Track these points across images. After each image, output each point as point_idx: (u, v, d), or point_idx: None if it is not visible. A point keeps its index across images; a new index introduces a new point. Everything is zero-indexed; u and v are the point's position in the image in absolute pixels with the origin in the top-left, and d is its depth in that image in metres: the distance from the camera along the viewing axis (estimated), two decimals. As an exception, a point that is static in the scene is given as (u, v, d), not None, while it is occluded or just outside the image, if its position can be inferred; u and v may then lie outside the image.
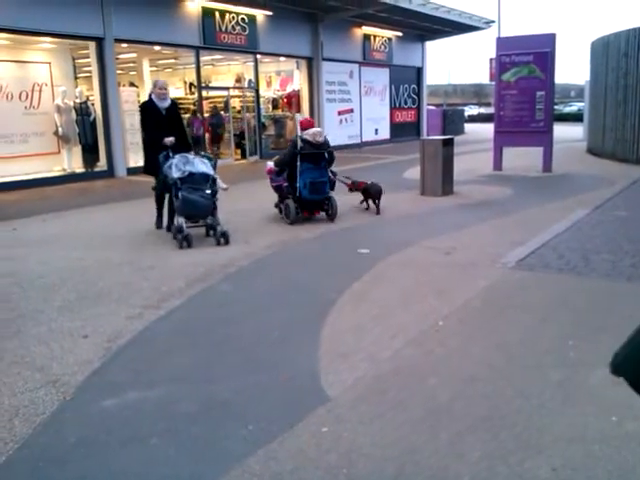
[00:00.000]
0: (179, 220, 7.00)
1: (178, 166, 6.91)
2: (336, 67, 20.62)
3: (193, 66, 17.15)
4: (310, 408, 3.08)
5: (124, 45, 14.44)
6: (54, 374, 3.58)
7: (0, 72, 12.67)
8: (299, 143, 7.99)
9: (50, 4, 12.14)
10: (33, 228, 8.46)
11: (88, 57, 14.21)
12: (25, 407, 3.17)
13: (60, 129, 13.35)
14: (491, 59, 15.58)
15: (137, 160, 14.61)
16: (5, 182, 12.11)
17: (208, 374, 3.59)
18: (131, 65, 17.95)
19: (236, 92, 18.46)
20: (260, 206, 9.23)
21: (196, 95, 17.37)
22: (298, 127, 8.29)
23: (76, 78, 14.99)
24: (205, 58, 17.19)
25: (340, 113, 21.22)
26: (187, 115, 17.75)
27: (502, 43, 13.31)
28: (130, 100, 14.74)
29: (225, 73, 19.89)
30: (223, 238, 6.92)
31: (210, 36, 15.99)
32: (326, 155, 8.13)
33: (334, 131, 20.59)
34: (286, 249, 6.76)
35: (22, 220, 9.00)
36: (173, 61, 19.47)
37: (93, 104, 14.02)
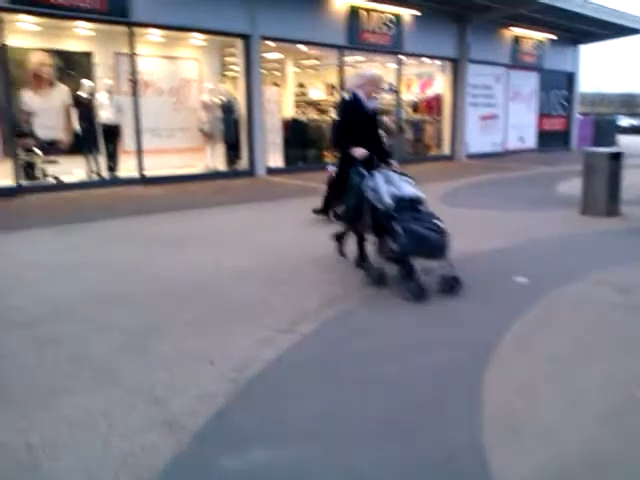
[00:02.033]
0: (381, 260, 5.30)
1: (383, 188, 5.17)
2: (482, 70, 19.36)
3: (333, 68, 16.74)
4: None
5: (270, 44, 14.23)
6: (172, 412, 3.08)
7: (152, 67, 12.90)
8: None
9: (199, 1, 12.14)
10: (173, 225, 8.29)
11: (234, 55, 14.19)
12: (134, 455, 2.67)
13: (205, 126, 13.38)
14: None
15: (277, 160, 14.45)
16: (151, 176, 12.26)
17: (345, 431, 2.93)
18: (275, 65, 17.87)
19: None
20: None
21: (337, 96, 16.96)
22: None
23: (222, 76, 15.06)
24: (346, 59, 16.65)
25: (483, 118, 19.95)
26: (325, 117, 17.43)
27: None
28: (273, 99, 14.53)
29: (365, 75, 19.28)
30: (455, 285, 5.06)
31: (355, 35, 15.44)
32: None
33: (475, 137, 19.44)
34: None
35: (164, 215, 8.90)
36: (316, 62, 19.21)
37: (237, 102, 13.93)
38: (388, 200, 5.06)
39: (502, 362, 3.72)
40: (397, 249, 4.95)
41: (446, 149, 19.13)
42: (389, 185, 5.20)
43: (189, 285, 5.36)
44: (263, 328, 4.26)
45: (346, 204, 5.63)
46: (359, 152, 5.48)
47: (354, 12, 15.32)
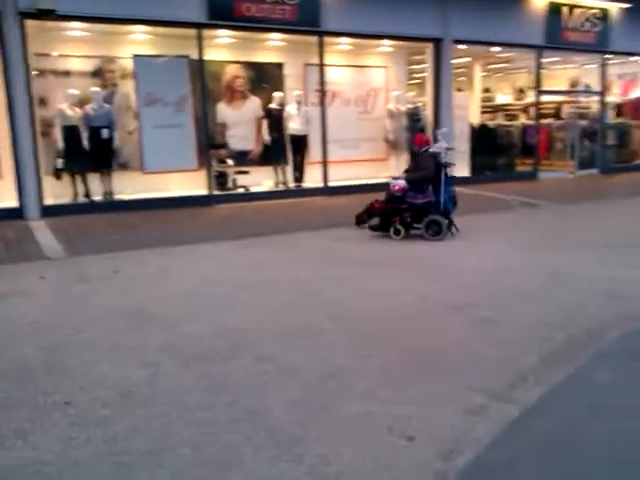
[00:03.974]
0: None
1: None
2: None
3: (524, 70, 15.14)
4: None
5: (461, 47, 13.09)
6: (365, 520, 2.28)
7: (339, 77, 12.41)
8: (443, 155, 7.74)
9: (389, 6, 11.42)
10: (357, 243, 7.60)
11: (420, 63, 13.31)
12: None
13: (390, 135, 12.64)
14: None
15: (462, 169, 13.29)
16: (335, 186, 11.77)
17: None
18: (461, 70, 16.67)
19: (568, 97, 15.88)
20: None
21: (528, 100, 15.40)
22: (440, 139, 7.91)
23: (408, 83, 14.22)
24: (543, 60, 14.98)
25: None
26: (516, 122, 15.91)
27: None
28: (462, 105, 13.41)
29: (557, 77, 17.35)
30: None
31: (555, 34, 13.77)
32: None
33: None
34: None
35: (345, 230, 8.25)
36: (504, 65, 17.67)
37: (424, 110, 13.01)
38: None
39: None
40: None
41: (659, 156, 16.58)
42: None
43: (376, 320, 4.56)
44: (471, 391, 3.32)
45: None
46: None
47: (554, 9, 13.68)
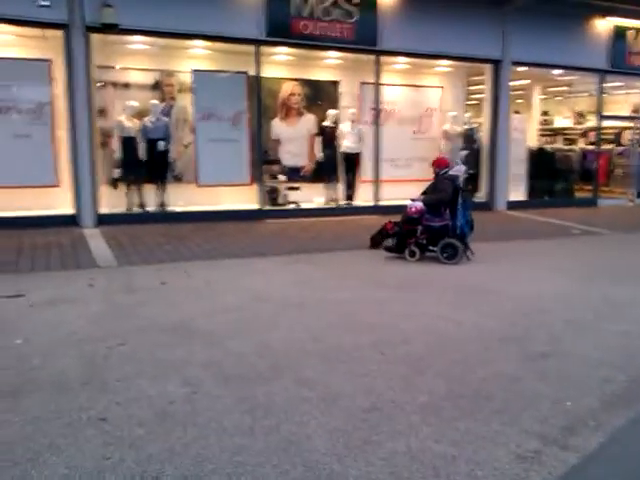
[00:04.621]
0: None
1: None
2: None
3: (585, 94, 14.68)
4: None
5: (520, 69, 12.78)
6: None
7: (395, 96, 12.25)
8: (461, 178, 7.51)
9: (448, 26, 11.29)
10: (400, 265, 7.40)
11: (478, 84, 13.06)
12: None
13: (445, 156, 12.37)
14: None
15: (518, 193, 12.95)
16: (386, 206, 11.56)
17: None
18: (519, 93, 16.29)
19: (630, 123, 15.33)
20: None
21: (588, 124, 14.91)
22: (460, 162, 7.62)
23: (465, 104, 13.95)
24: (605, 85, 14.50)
25: None
26: (575, 147, 15.39)
27: None
28: (519, 128, 13.06)
29: (619, 102, 16.71)
30: None
31: (619, 58, 13.32)
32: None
33: None
34: None
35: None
36: (564, 88, 17.18)
37: (480, 131, 12.71)
38: None
39: None
40: None
41: None
42: None
43: (420, 346, 4.36)
44: (523, 434, 3.07)
45: None
46: None
47: (620, 33, 13.26)
